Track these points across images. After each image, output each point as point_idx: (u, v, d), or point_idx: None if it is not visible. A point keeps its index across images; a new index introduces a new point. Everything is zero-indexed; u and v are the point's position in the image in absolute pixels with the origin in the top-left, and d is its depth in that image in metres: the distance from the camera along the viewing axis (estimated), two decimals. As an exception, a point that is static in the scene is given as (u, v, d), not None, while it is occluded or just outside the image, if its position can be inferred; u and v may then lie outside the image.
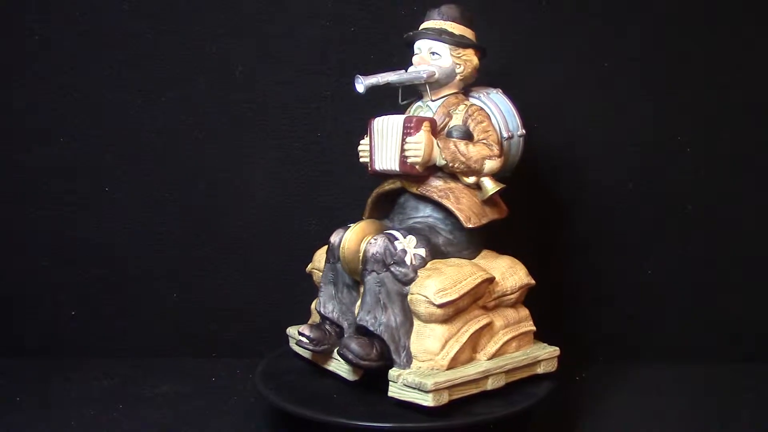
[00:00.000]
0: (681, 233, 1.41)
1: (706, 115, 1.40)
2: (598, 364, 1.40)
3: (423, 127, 1.13)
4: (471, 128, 1.16)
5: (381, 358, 1.09)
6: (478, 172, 1.14)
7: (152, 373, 1.35)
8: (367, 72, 1.16)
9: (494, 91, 1.22)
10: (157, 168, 1.39)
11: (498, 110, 1.19)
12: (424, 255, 1.11)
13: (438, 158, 1.13)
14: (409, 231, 1.13)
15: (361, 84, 1.15)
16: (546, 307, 1.40)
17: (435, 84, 1.18)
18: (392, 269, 1.10)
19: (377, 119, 1.17)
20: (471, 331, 1.10)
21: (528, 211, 1.36)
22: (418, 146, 1.13)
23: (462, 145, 1.14)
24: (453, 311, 1.09)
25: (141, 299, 1.41)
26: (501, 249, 1.21)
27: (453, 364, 1.08)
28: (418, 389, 1.05)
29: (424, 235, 1.13)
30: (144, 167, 1.39)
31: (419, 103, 1.20)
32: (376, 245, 1.10)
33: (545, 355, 1.16)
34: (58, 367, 1.36)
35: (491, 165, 1.14)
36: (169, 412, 1.22)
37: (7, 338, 1.40)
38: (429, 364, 1.08)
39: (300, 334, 1.15)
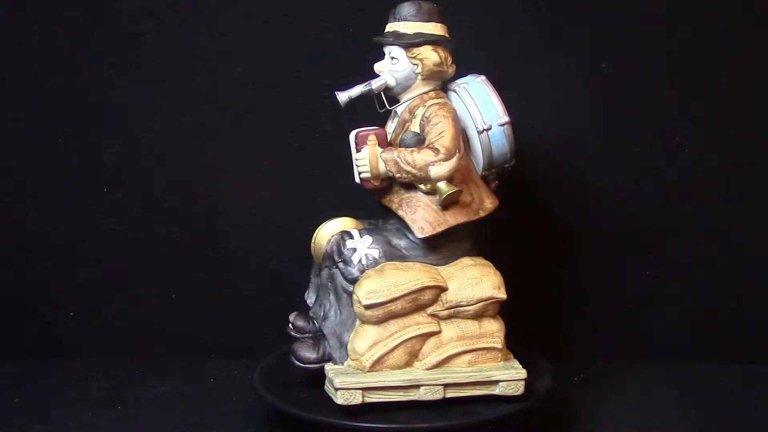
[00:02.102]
0: (680, 233, 1.41)
1: (705, 115, 1.40)
2: (596, 365, 1.40)
3: (368, 142, 1.14)
4: (426, 131, 1.13)
5: (323, 359, 1.13)
6: (427, 180, 1.12)
7: (150, 374, 1.35)
8: (362, 78, 1.18)
9: (475, 80, 1.18)
10: (156, 168, 1.39)
11: (472, 102, 1.16)
12: (377, 256, 1.13)
13: (385, 170, 1.13)
14: (372, 231, 1.15)
15: (338, 99, 1.17)
16: (544, 308, 1.41)
17: (396, 90, 1.17)
18: (340, 266, 1.13)
19: (350, 134, 1.17)
20: (405, 337, 1.10)
21: (526, 211, 1.36)
22: (364, 162, 1.14)
23: (407, 153, 1.12)
24: (383, 314, 1.10)
25: (139, 300, 1.41)
26: (498, 249, 1.21)
27: (377, 367, 1.09)
28: (331, 386, 1.08)
29: (385, 236, 1.15)
30: (142, 168, 1.39)
31: (394, 109, 1.19)
32: (330, 242, 1.14)
33: (503, 376, 1.10)
34: (56, 368, 1.36)
35: (437, 170, 1.11)
36: (167, 413, 1.22)
37: (5, 339, 1.40)
38: (355, 364, 1.10)
39: (288, 320, 1.19)
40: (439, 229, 1.12)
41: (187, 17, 1.38)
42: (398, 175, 1.12)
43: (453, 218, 1.13)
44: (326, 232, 1.17)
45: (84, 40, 1.37)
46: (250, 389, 1.23)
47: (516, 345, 1.29)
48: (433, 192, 1.12)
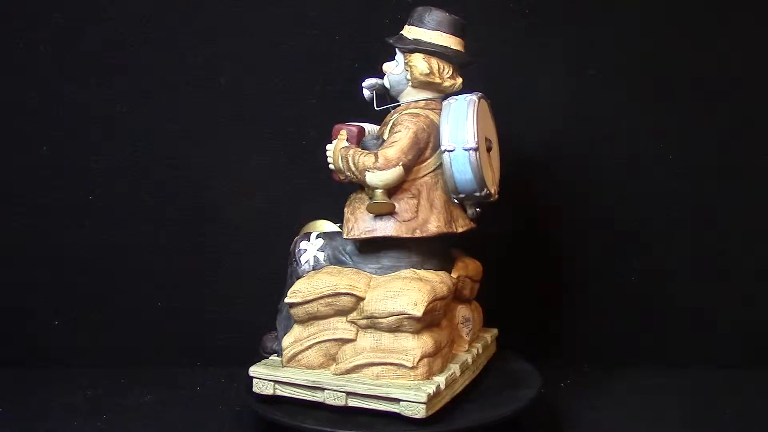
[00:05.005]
0: (664, 239, 1.42)
1: (689, 122, 1.40)
2: (583, 370, 1.40)
3: (339, 136, 1.15)
4: (387, 137, 1.14)
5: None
6: (364, 184, 1.12)
7: (137, 382, 1.35)
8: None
9: (465, 98, 1.14)
10: (142, 176, 1.39)
11: (446, 119, 1.12)
12: (321, 259, 1.16)
13: (341, 165, 1.14)
14: (327, 235, 1.18)
15: (363, 93, 1.20)
16: (532, 313, 1.41)
17: (392, 93, 1.17)
18: (293, 265, 1.16)
19: None
20: (320, 339, 1.12)
21: (513, 216, 1.37)
22: (330, 154, 1.15)
23: (356, 154, 1.12)
24: (303, 314, 1.12)
25: (125, 308, 1.41)
26: (490, 254, 1.21)
27: (292, 364, 1.13)
28: None
29: (337, 241, 1.17)
30: (129, 175, 1.39)
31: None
32: (293, 242, 1.18)
33: (402, 395, 1.06)
34: (42, 378, 1.36)
35: (371, 177, 1.11)
36: (154, 421, 1.22)
37: (-10, 347, 1.40)
38: (280, 359, 1.14)
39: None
40: (363, 236, 1.12)
41: (173, 26, 1.38)
42: (347, 173, 1.13)
43: (382, 230, 1.12)
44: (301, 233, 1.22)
45: (69, 48, 1.37)
46: (237, 397, 1.23)
47: (505, 349, 1.30)
48: (371, 197, 1.13)
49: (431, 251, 1.15)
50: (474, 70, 1.22)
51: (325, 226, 1.23)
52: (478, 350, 1.21)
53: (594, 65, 1.39)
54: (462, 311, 1.20)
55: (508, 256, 1.40)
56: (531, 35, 1.39)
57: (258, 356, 1.19)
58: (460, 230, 1.15)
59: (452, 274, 1.17)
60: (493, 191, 1.15)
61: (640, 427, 1.22)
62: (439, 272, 1.15)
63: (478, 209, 1.17)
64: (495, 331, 1.29)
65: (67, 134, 1.39)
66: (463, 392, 1.14)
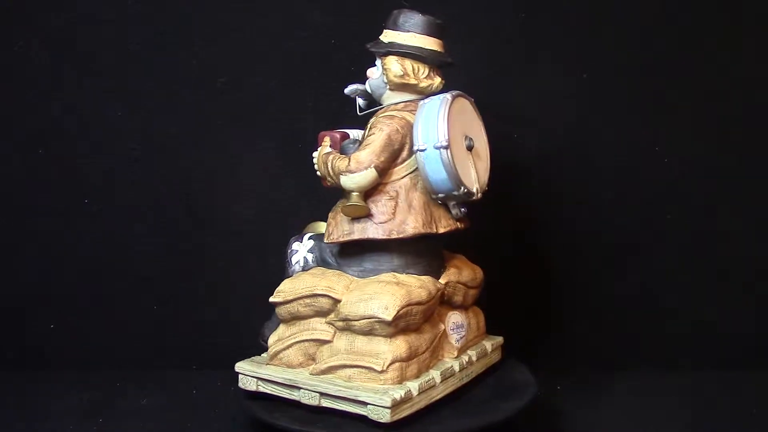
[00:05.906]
0: (658, 242, 1.41)
1: (683, 126, 1.40)
2: (583, 372, 1.40)
3: (323, 142, 1.16)
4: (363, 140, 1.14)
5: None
6: (341, 188, 1.12)
7: (133, 385, 1.35)
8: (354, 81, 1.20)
9: (438, 97, 1.12)
10: (138, 180, 1.40)
11: (418, 119, 1.11)
12: (310, 260, 1.17)
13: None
14: (317, 237, 1.18)
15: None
16: (532, 315, 1.41)
17: (374, 97, 1.17)
18: (286, 265, 1.17)
19: None
20: (300, 339, 1.13)
21: (505, 220, 1.37)
22: (315, 160, 1.15)
23: (335, 159, 1.12)
24: (285, 313, 1.14)
25: (121, 312, 1.42)
26: (485, 256, 1.21)
27: (274, 362, 1.14)
28: None
29: (323, 242, 1.16)
30: (124, 179, 1.40)
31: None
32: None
33: (368, 398, 1.06)
34: (38, 381, 1.37)
35: (345, 181, 1.10)
36: (150, 424, 1.23)
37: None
38: (265, 355, 1.17)
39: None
40: (342, 239, 1.12)
41: (171, 29, 1.38)
42: (329, 178, 1.13)
43: (359, 233, 1.12)
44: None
45: (66, 52, 1.38)
46: (233, 400, 1.24)
47: (510, 357, 1.29)
48: (348, 200, 1.12)
49: (416, 254, 1.14)
50: (472, 72, 1.22)
51: (319, 227, 1.23)
52: (470, 358, 1.19)
53: (592, 67, 1.39)
54: (453, 317, 1.18)
55: (508, 258, 1.39)
56: (529, 36, 1.39)
57: (255, 348, 1.20)
58: (441, 231, 1.13)
59: (441, 280, 1.15)
60: (474, 190, 1.12)
61: (640, 428, 1.21)
62: (422, 277, 1.13)
63: (463, 209, 1.14)
64: (500, 339, 1.27)
65: (66, 134, 1.39)
66: (444, 400, 1.13)
